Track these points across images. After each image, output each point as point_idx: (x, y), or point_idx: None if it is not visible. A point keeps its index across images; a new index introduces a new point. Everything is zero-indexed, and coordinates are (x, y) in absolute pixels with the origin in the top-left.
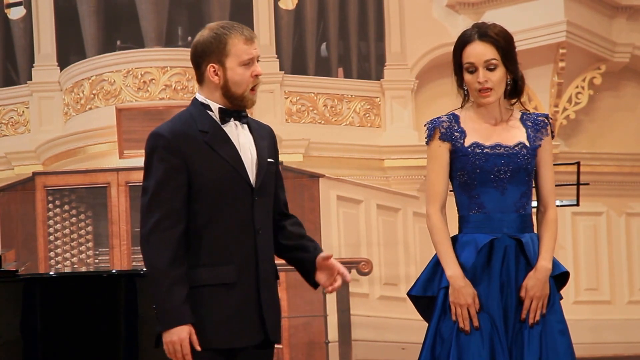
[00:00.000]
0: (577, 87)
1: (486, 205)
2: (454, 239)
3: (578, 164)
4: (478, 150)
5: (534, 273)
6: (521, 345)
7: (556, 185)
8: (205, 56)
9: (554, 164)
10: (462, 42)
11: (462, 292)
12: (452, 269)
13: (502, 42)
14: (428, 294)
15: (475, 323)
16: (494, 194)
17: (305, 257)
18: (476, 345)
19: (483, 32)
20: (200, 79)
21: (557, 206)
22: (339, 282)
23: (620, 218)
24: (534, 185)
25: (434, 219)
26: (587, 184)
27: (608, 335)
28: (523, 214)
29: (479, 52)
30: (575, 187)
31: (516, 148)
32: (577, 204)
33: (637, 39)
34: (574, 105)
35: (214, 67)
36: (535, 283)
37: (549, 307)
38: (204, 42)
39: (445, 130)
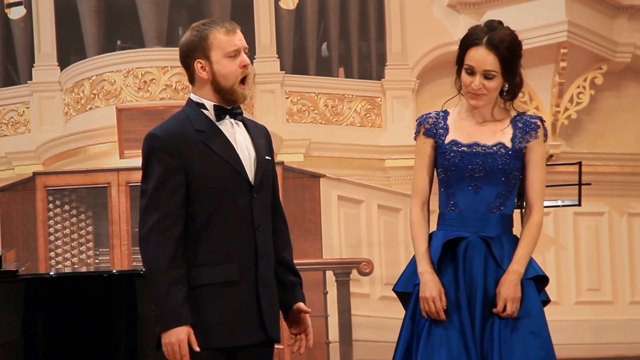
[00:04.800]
0: (578, 87)
1: (460, 203)
2: (430, 235)
3: (580, 164)
4: (455, 148)
5: (505, 276)
6: (489, 346)
7: (557, 185)
8: (191, 54)
9: (556, 164)
10: (470, 42)
11: (427, 285)
12: (423, 265)
13: (507, 54)
14: (408, 290)
15: (442, 316)
16: (468, 193)
17: (282, 296)
18: (446, 341)
19: (491, 39)
20: (192, 78)
21: (559, 206)
22: (302, 348)
23: (622, 218)
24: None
25: (412, 215)
26: (589, 184)
27: (610, 336)
28: (499, 215)
29: (481, 59)
30: (577, 187)
31: (494, 148)
32: (579, 204)
33: (639, 38)
34: (575, 105)
35: (200, 63)
36: (507, 286)
37: (521, 309)
38: (188, 41)
39: (430, 126)
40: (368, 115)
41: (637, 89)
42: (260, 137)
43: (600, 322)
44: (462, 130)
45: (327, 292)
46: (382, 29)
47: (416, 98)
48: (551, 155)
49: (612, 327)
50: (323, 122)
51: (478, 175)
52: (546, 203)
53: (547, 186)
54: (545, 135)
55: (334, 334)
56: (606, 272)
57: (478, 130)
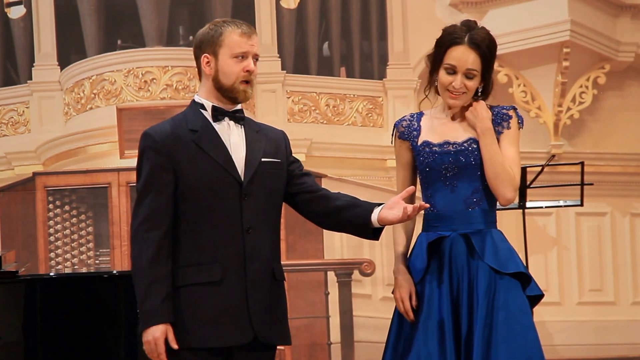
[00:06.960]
0: (581, 86)
1: (437, 203)
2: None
3: (582, 164)
4: (427, 149)
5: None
6: (470, 347)
7: (560, 186)
8: (202, 47)
9: (558, 164)
10: (450, 40)
11: (397, 284)
12: (396, 264)
13: (488, 53)
14: None
15: (410, 317)
16: (445, 192)
17: (363, 205)
18: (421, 343)
19: (473, 38)
20: (199, 72)
21: (561, 206)
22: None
23: (625, 218)
24: None
25: None
26: (591, 184)
27: (612, 337)
28: (479, 210)
29: (464, 58)
30: (580, 187)
31: (465, 144)
32: (581, 204)
33: None
34: (578, 105)
35: (207, 58)
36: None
37: (504, 309)
38: (202, 34)
39: (404, 129)
40: (370, 115)
41: None
42: (261, 140)
43: (602, 322)
44: (433, 130)
45: (328, 293)
46: (384, 28)
47: (418, 98)
48: (553, 155)
49: (614, 328)
50: (324, 122)
51: (452, 174)
52: (548, 203)
53: (549, 186)
54: (520, 122)
55: (335, 335)
56: (608, 272)
57: (449, 128)
